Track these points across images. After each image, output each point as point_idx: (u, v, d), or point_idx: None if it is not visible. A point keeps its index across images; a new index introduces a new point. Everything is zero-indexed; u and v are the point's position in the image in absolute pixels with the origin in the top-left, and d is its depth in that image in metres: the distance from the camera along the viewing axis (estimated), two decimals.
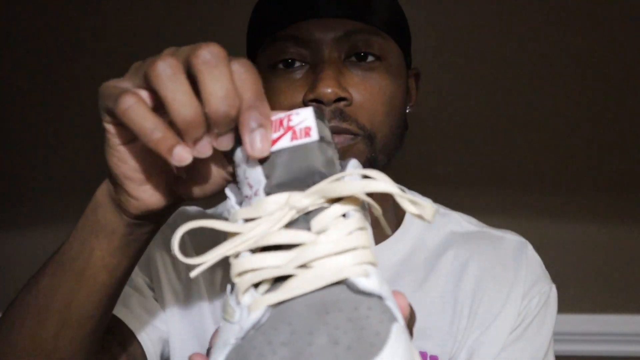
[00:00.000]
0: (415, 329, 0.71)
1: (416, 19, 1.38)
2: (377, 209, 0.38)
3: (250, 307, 0.36)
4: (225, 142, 0.39)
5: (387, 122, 0.71)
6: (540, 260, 0.82)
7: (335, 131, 0.67)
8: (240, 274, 0.37)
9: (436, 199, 0.85)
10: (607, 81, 1.39)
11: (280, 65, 0.70)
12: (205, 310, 0.76)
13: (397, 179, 0.73)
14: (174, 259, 0.78)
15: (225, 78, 0.37)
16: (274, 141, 0.38)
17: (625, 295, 1.47)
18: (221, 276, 0.77)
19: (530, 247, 0.83)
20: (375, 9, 0.70)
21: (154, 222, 0.51)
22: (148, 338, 0.72)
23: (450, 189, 1.42)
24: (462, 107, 1.40)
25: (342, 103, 0.67)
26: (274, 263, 0.36)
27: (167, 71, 0.37)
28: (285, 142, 0.38)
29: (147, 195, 0.47)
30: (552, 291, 0.81)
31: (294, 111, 0.40)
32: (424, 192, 0.86)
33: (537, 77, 1.39)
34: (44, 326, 0.54)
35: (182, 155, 0.37)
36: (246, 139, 0.37)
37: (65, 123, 1.43)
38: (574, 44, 1.37)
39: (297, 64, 0.70)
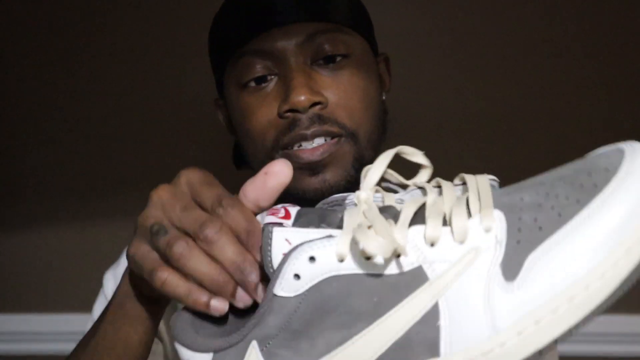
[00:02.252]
0: None
1: (416, 19, 1.39)
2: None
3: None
4: (258, 292, 0.42)
5: (367, 116, 0.71)
6: None
7: (317, 134, 0.67)
8: None
9: None
10: (607, 81, 1.39)
11: (251, 84, 0.69)
12: None
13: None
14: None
15: (230, 246, 0.42)
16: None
17: (625, 295, 1.47)
18: None
19: None
20: (333, 6, 0.69)
21: None
22: None
23: None
24: (461, 107, 1.40)
25: (317, 107, 0.67)
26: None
27: (184, 252, 0.42)
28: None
29: None
30: None
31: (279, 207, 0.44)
32: None
33: (537, 77, 1.39)
34: None
35: (218, 308, 0.42)
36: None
37: (65, 123, 1.43)
38: (574, 43, 1.37)
39: (267, 77, 0.69)
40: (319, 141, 0.67)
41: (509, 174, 1.44)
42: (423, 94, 1.41)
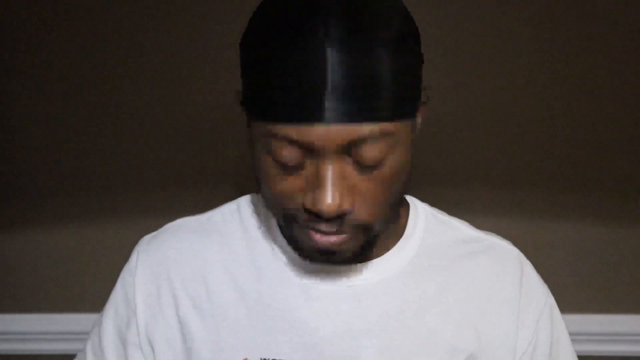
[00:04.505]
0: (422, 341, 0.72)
1: (417, 19, 1.39)
2: None
3: None
4: None
5: (389, 206, 0.67)
6: (535, 271, 0.83)
7: (333, 233, 0.65)
8: None
9: (435, 200, 0.85)
10: (607, 81, 1.39)
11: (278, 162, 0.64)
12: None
13: None
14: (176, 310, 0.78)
15: None
16: None
17: (625, 295, 1.47)
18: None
19: (525, 260, 0.83)
20: (385, 103, 0.61)
21: None
22: None
23: (450, 189, 1.42)
24: (460, 107, 1.40)
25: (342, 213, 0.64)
26: None
27: None
28: None
29: None
30: (550, 298, 0.82)
31: None
32: (423, 193, 0.86)
33: (536, 78, 1.39)
34: None
35: None
36: None
37: (65, 123, 1.43)
38: (574, 44, 1.37)
39: (298, 165, 0.64)
40: (334, 236, 0.65)
41: (508, 174, 1.44)
42: (423, 96, 1.41)
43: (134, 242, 1.48)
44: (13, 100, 1.43)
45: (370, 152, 0.61)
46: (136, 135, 1.43)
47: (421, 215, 0.80)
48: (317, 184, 0.62)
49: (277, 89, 0.60)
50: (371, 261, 0.75)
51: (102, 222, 1.47)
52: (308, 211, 0.64)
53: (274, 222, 0.79)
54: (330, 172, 0.61)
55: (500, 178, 1.43)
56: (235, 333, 0.74)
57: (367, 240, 0.67)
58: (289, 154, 0.62)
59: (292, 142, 0.61)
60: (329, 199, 0.61)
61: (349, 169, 0.63)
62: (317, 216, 0.64)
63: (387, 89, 0.61)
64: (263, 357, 0.73)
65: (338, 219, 0.64)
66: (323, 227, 0.64)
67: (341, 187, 0.62)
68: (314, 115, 0.59)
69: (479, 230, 0.83)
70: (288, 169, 0.63)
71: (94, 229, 1.47)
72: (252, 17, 0.66)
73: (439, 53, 1.38)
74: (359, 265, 0.74)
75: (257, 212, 0.80)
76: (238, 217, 0.81)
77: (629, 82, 1.39)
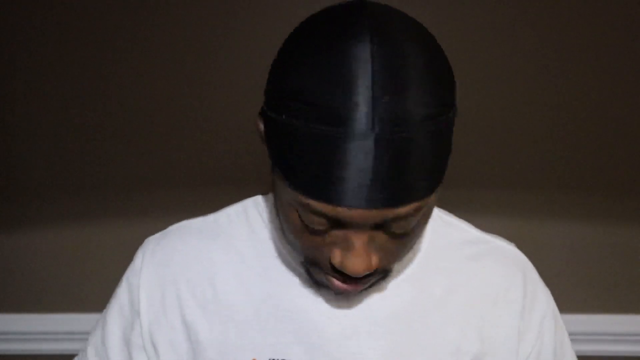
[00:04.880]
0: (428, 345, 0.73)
1: (418, 18, 1.39)
2: None
3: None
4: None
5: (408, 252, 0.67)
6: (538, 275, 0.83)
7: (357, 284, 0.65)
8: None
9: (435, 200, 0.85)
10: (607, 82, 1.39)
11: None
12: None
13: None
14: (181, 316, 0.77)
15: None
16: None
17: (625, 295, 1.48)
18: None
19: (528, 263, 0.83)
20: (424, 183, 0.60)
21: None
22: None
23: (450, 190, 1.42)
24: (460, 108, 1.40)
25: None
26: None
27: None
28: None
29: None
30: (552, 301, 0.82)
31: None
32: None
33: (536, 79, 1.39)
34: None
35: None
36: None
37: (65, 123, 1.43)
38: (574, 44, 1.37)
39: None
40: (354, 285, 0.66)
41: (509, 174, 1.44)
42: None
43: (135, 242, 1.47)
44: (13, 100, 1.43)
45: (404, 226, 0.61)
46: (137, 136, 1.43)
47: None
48: (345, 246, 0.62)
49: (314, 167, 0.58)
50: None
51: (103, 222, 1.47)
52: (334, 266, 0.64)
53: (280, 224, 0.79)
54: (360, 240, 0.61)
55: (500, 178, 1.43)
56: (243, 334, 0.74)
57: (384, 277, 0.68)
58: (318, 222, 0.61)
59: (323, 215, 0.60)
60: (358, 264, 0.61)
61: (379, 234, 0.62)
62: (343, 273, 0.64)
63: (427, 170, 0.59)
64: (271, 357, 0.73)
65: (364, 276, 0.64)
66: (347, 282, 0.65)
67: (370, 251, 0.62)
68: (352, 201, 0.57)
69: (484, 232, 0.83)
70: (317, 232, 0.63)
71: (94, 229, 1.47)
72: (282, 75, 0.61)
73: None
74: None
75: (263, 213, 0.80)
76: (244, 219, 0.81)
77: (629, 83, 1.39)
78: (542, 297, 0.80)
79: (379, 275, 0.66)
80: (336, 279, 0.65)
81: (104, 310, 0.83)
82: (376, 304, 0.74)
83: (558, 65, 1.38)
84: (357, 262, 0.61)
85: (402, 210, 0.59)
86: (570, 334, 0.84)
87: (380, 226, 0.61)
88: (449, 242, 0.79)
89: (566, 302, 1.47)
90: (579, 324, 1.44)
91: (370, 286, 0.69)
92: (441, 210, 0.84)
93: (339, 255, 0.62)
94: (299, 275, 0.74)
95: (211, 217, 0.83)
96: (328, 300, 0.73)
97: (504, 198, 1.44)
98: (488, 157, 1.42)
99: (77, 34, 1.39)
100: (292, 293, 0.74)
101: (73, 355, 1.52)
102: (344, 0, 0.64)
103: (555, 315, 0.81)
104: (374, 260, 0.62)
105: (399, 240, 0.63)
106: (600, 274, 1.47)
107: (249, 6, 1.36)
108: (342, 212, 0.58)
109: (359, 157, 0.57)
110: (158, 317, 0.78)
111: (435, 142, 0.60)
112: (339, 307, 0.73)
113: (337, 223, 0.60)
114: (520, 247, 0.87)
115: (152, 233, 0.93)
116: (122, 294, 0.82)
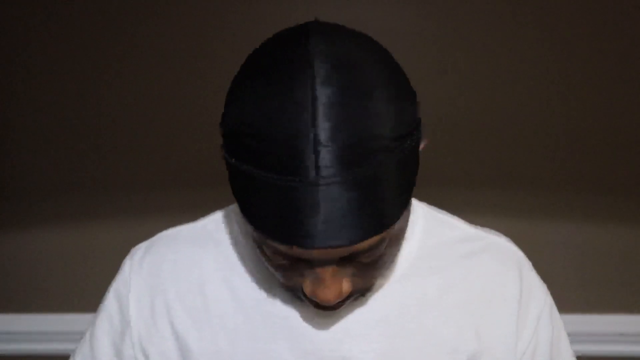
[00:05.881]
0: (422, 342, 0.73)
1: (416, 20, 1.39)
2: None
3: None
4: None
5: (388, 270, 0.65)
6: (534, 270, 0.83)
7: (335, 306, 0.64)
8: None
9: (435, 200, 0.85)
10: (607, 83, 1.39)
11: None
12: None
13: None
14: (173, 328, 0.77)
15: None
16: None
17: (625, 295, 1.48)
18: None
19: (524, 259, 0.83)
20: (383, 217, 0.57)
21: None
22: None
23: (450, 190, 1.42)
24: (460, 109, 1.40)
25: None
26: None
27: None
28: None
29: None
30: (548, 297, 0.81)
31: None
32: (424, 193, 0.86)
33: (537, 79, 1.39)
34: None
35: None
36: None
37: (65, 123, 1.43)
38: (574, 45, 1.37)
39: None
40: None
41: (509, 175, 1.44)
42: (422, 96, 1.41)
43: (134, 242, 1.48)
44: (13, 100, 1.43)
45: (368, 256, 0.60)
46: (136, 137, 1.43)
47: (420, 215, 0.79)
48: (314, 278, 0.61)
49: (269, 209, 0.56)
50: None
51: (103, 222, 1.47)
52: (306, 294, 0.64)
53: None
54: (328, 273, 0.60)
55: (500, 178, 1.43)
56: (234, 342, 0.74)
57: (366, 292, 0.68)
58: (281, 259, 0.61)
59: (284, 255, 0.59)
60: (329, 294, 0.60)
61: (347, 265, 0.61)
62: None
63: (388, 201, 0.57)
64: None
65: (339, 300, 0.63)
66: (320, 306, 0.65)
67: (339, 281, 0.61)
68: (309, 243, 0.55)
69: (477, 228, 0.83)
70: (282, 267, 0.62)
71: (94, 229, 1.47)
72: (230, 114, 0.59)
73: (439, 55, 1.38)
74: None
75: None
76: (231, 225, 0.80)
77: (628, 83, 1.39)
78: (538, 292, 0.80)
79: (357, 295, 0.66)
80: (312, 304, 0.65)
81: (91, 322, 0.83)
82: (367, 307, 0.73)
83: (558, 65, 1.38)
84: (327, 292, 0.60)
85: (364, 244, 0.58)
86: (570, 334, 0.84)
87: (346, 258, 0.60)
88: (442, 241, 0.79)
89: (566, 302, 1.47)
90: (579, 324, 1.44)
91: (354, 299, 0.68)
92: (433, 207, 0.83)
93: (309, 286, 0.62)
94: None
95: (199, 223, 0.83)
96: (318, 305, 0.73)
97: (504, 198, 1.44)
98: (488, 157, 1.42)
99: (76, 34, 1.39)
100: (282, 299, 0.74)
101: None
102: (291, 26, 0.60)
103: (552, 311, 0.81)
104: (345, 287, 0.62)
105: (369, 266, 0.62)
106: (600, 274, 1.47)
107: (248, 7, 1.36)
108: (301, 253, 0.57)
109: (311, 201, 0.55)
110: (148, 327, 0.77)
111: (394, 169, 0.57)
112: (330, 311, 0.73)
113: (300, 260, 0.60)
114: (521, 247, 0.87)
115: (152, 233, 0.93)
116: (110, 304, 0.81)
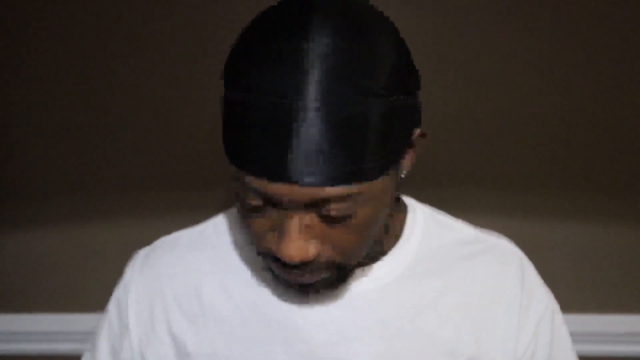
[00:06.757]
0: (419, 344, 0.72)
1: (415, 19, 1.38)
2: None
3: None
4: None
5: (363, 247, 0.65)
6: (536, 273, 0.82)
7: (302, 276, 0.64)
8: None
9: (435, 201, 0.85)
10: (607, 82, 1.39)
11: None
12: None
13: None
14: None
15: None
16: None
17: (625, 295, 1.47)
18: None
19: (526, 261, 0.83)
20: (354, 167, 0.57)
21: None
22: None
23: (446, 190, 1.42)
24: (459, 108, 1.40)
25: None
26: None
27: None
28: None
29: None
30: (552, 302, 0.81)
31: None
32: (423, 193, 0.85)
33: (536, 78, 1.39)
34: None
35: None
36: None
37: (65, 123, 1.43)
38: (573, 45, 1.37)
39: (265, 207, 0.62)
40: (308, 274, 0.64)
41: (508, 175, 1.44)
42: (422, 94, 1.41)
43: (135, 242, 1.47)
44: (13, 100, 1.43)
45: (337, 209, 0.59)
46: (137, 136, 1.43)
47: (419, 217, 0.79)
48: (281, 231, 0.61)
49: (244, 137, 0.58)
50: (367, 266, 0.75)
51: (102, 222, 1.47)
52: (274, 255, 0.63)
53: None
54: (293, 224, 0.60)
55: (499, 178, 1.43)
56: (231, 344, 0.74)
57: (343, 273, 0.67)
58: (253, 200, 0.61)
59: (260, 193, 0.60)
60: (292, 250, 0.60)
61: (315, 220, 0.61)
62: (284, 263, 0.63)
63: (366, 155, 0.57)
64: None
65: (305, 264, 0.62)
66: (287, 271, 0.64)
67: (305, 238, 0.60)
68: (276, 174, 0.57)
69: (479, 229, 0.82)
70: (255, 211, 0.62)
71: (94, 229, 1.47)
72: (234, 51, 0.63)
73: (437, 54, 1.38)
74: (355, 270, 0.74)
75: None
76: (229, 228, 0.81)
77: (628, 83, 1.39)
78: (539, 295, 0.79)
79: (330, 270, 0.65)
80: (283, 271, 0.65)
81: (97, 326, 0.83)
82: (363, 309, 0.73)
83: (559, 65, 1.38)
84: (290, 247, 0.60)
85: (331, 192, 0.57)
86: (570, 334, 0.84)
87: (313, 208, 0.59)
88: (441, 243, 0.79)
89: (566, 302, 1.46)
90: (579, 324, 1.44)
91: (334, 286, 0.67)
92: (434, 209, 0.83)
93: (274, 241, 0.62)
94: (284, 282, 0.75)
95: (198, 228, 0.83)
96: (314, 306, 0.73)
97: (504, 198, 1.44)
98: (488, 157, 1.42)
99: (77, 34, 1.39)
100: (278, 300, 0.74)
101: (73, 356, 1.52)
102: None
103: (554, 316, 0.80)
104: (312, 249, 0.61)
105: (340, 228, 0.61)
106: (600, 274, 1.47)
107: (255, 8, 1.36)
108: (268, 187, 0.58)
109: (289, 130, 0.56)
110: (147, 331, 0.78)
111: (379, 121, 0.58)
112: (326, 313, 0.73)
113: (270, 201, 0.60)
114: (521, 247, 0.87)
115: (152, 233, 0.93)
116: (112, 309, 0.82)
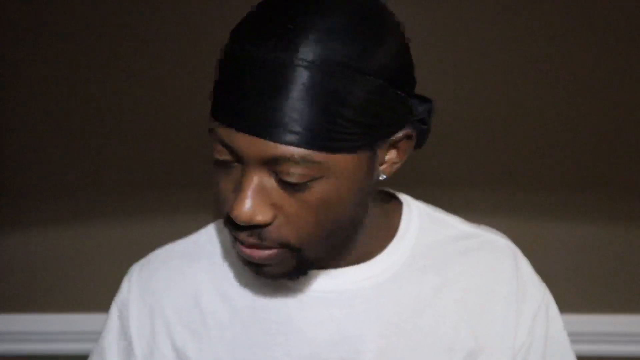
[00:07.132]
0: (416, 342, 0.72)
1: (415, 19, 1.39)
2: None
3: None
4: None
5: (321, 234, 0.64)
6: (531, 266, 0.82)
7: (252, 246, 0.64)
8: None
9: (434, 201, 0.85)
10: (607, 82, 1.39)
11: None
12: None
13: (393, 180, 0.73)
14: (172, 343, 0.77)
15: None
16: None
17: (625, 295, 1.47)
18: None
19: (520, 255, 0.83)
20: (308, 132, 0.58)
21: None
22: None
23: (446, 190, 1.42)
24: (459, 108, 1.40)
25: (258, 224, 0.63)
26: None
27: None
28: None
29: None
30: (547, 295, 0.81)
31: None
32: (422, 193, 0.85)
33: (535, 79, 1.39)
34: None
35: None
36: None
37: (65, 123, 1.43)
38: (573, 45, 1.37)
39: (231, 163, 0.64)
40: (258, 249, 0.65)
41: (508, 175, 1.44)
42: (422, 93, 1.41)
43: (134, 242, 1.47)
44: (12, 100, 1.43)
45: (291, 171, 0.60)
46: (136, 136, 1.43)
47: (415, 214, 0.79)
48: (238, 191, 0.62)
49: (221, 85, 0.62)
50: (364, 263, 0.75)
51: (102, 222, 1.47)
52: (229, 217, 0.64)
53: None
54: (250, 181, 0.61)
55: (499, 178, 1.43)
56: (234, 351, 0.74)
57: (301, 262, 0.66)
58: (221, 155, 0.63)
59: (224, 143, 0.62)
60: (243, 205, 0.61)
61: (272, 184, 0.61)
62: (240, 230, 0.63)
63: (325, 122, 0.58)
64: None
65: (255, 229, 0.62)
66: (241, 235, 0.64)
67: (259, 198, 0.61)
68: (233, 121, 0.59)
69: (473, 225, 0.82)
70: (221, 166, 0.64)
71: (94, 229, 1.47)
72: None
73: (437, 54, 1.38)
74: (350, 268, 0.74)
75: None
76: (223, 235, 0.81)
77: (628, 83, 1.39)
78: (534, 289, 0.79)
79: (285, 254, 0.65)
80: (240, 244, 0.65)
81: (98, 341, 0.83)
82: (362, 307, 0.73)
83: (559, 64, 1.38)
84: (242, 204, 0.61)
85: (284, 150, 0.59)
86: (570, 334, 0.84)
87: (271, 168, 0.61)
88: (437, 239, 0.79)
89: (566, 302, 1.46)
90: (579, 324, 1.44)
91: (289, 274, 0.67)
92: (429, 206, 0.83)
93: (230, 200, 0.63)
94: (281, 285, 0.74)
95: (191, 238, 0.83)
96: (313, 307, 0.73)
97: (504, 198, 1.44)
98: (488, 157, 1.42)
99: (76, 34, 1.39)
100: (276, 304, 0.74)
101: (73, 355, 1.52)
102: None
103: (549, 309, 0.80)
104: (262, 212, 0.61)
105: (296, 203, 0.62)
106: (600, 274, 1.47)
107: (248, 8, 1.36)
108: (230, 136, 0.60)
109: (259, 83, 0.58)
110: (150, 346, 0.77)
111: (349, 100, 0.59)
112: (326, 313, 0.73)
113: (236, 157, 0.62)
114: (521, 247, 0.87)
115: (152, 233, 0.93)
116: (114, 324, 0.81)
